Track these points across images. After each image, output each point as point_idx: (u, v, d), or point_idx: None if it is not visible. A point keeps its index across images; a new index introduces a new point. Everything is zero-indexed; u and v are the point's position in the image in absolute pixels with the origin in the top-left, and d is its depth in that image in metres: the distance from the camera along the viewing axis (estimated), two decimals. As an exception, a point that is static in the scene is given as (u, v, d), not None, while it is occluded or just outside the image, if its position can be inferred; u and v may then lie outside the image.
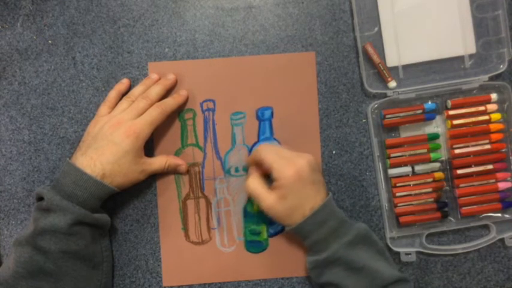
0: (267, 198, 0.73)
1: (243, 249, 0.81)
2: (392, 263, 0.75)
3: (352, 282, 0.70)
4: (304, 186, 0.71)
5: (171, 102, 0.77)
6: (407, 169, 0.80)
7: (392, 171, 0.80)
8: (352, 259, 0.70)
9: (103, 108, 0.77)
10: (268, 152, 0.74)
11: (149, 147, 0.79)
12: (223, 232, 0.81)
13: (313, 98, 0.81)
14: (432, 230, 0.80)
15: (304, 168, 0.71)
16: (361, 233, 0.72)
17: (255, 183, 0.75)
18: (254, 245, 0.81)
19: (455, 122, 0.79)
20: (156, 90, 0.77)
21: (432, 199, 0.79)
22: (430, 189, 0.79)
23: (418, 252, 0.80)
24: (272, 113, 0.81)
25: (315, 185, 0.72)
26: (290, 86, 0.81)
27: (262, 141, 0.81)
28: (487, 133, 0.79)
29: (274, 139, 0.81)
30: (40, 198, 0.71)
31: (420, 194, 0.80)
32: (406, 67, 0.80)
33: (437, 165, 0.80)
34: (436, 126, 0.80)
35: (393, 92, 0.80)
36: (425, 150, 0.80)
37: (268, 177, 0.75)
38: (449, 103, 0.80)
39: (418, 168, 0.80)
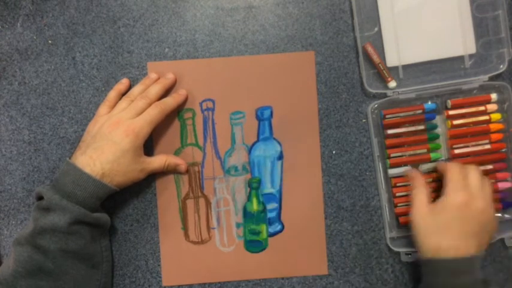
0: (421, 207, 0.73)
1: (242, 248, 0.81)
2: None
3: None
4: (462, 220, 0.70)
5: (171, 101, 0.77)
6: (407, 169, 0.80)
7: (392, 171, 0.80)
8: None
9: (103, 108, 0.77)
10: (456, 170, 0.73)
11: (149, 146, 0.79)
12: (222, 232, 0.81)
13: (312, 98, 0.81)
14: (432, 230, 0.80)
15: (475, 206, 0.70)
16: None
17: (421, 191, 0.75)
18: (254, 245, 0.81)
19: (455, 122, 0.79)
20: (155, 90, 0.77)
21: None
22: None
23: (418, 252, 0.80)
24: (271, 113, 0.81)
25: (470, 231, 0.70)
26: (289, 86, 0.81)
27: (261, 141, 0.81)
28: (487, 133, 0.79)
29: (274, 139, 0.81)
30: (40, 198, 0.71)
31: (420, 194, 0.80)
32: (406, 67, 0.80)
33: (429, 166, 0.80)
34: (436, 126, 0.80)
35: (393, 92, 0.80)
36: (425, 150, 0.80)
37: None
38: (449, 103, 0.80)
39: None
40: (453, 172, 0.73)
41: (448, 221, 0.71)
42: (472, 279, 0.68)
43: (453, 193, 0.71)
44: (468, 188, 0.72)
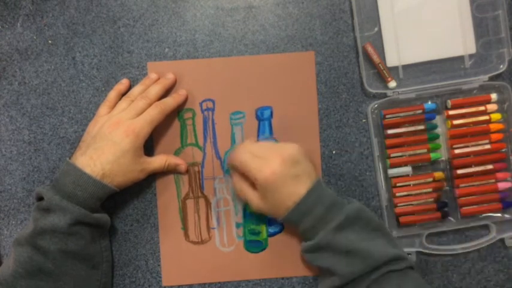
0: (252, 199, 0.74)
1: (242, 249, 0.81)
2: (389, 238, 0.73)
3: (343, 265, 0.69)
4: (283, 185, 0.70)
5: (171, 101, 0.77)
6: (407, 169, 0.80)
7: (392, 171, 0.80)
8: (340, 243, 0.69)
9: (103, 108, 0.77)
10: (241, 156, 0.73)
11: (149, 146, 0.79)
12: (222, 232, 0.81)
13: (312, 98, 0.81)
14: (432, 230, 0.80)
15: (279, 167, 0.70)
16: (350, 215, 0.70)
17: (239, 185, 0.75)
18: (254, 245, 0.81)
19: (455, 122, 0.79)
20: (156, 90, 0.77)
21: (432, 199, 0.79)
22: (430, 189, 0.79)
23: (418, 252, 0.80)
24: (271, 113, 0.81)
25: (296, 179, 0.71)
26: (289, 86, 0.81)
27: (261, 141, 0.81)
28: (487, 133, 0.79)
29: (274, 139, 0.81)
30: (40, 198, 0.71)
31: (420, 194, 0.80)
32: (406, 67, 0.80)
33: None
34: (436, 126, 0.80)
35: (393, 92, 0.80)
36: (425, 150, 0.80)
37: None
38: (449, 103, 0.80)
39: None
40: (238, 158, 0.73)
41: (276, 194, 0.71)
42: (325, 206, 0.70)
43: (257, 176, 0.71)
44: (258, 159, 0.72)
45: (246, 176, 0.74)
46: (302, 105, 0.81)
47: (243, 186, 0.75)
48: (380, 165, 0.80)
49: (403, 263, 0.69)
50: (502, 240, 0.80)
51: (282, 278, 0.81)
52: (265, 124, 0.80)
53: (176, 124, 0.81)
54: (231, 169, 0.78)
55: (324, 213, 0.70)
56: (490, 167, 0.80)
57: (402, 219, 0.80)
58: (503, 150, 0.80)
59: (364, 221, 0.71)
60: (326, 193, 0.72)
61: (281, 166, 0.70)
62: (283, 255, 0.81)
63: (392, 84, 0.80)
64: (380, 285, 0.68)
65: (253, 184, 0.73)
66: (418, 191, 0.80)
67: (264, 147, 0.74)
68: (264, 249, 0.81)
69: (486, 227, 0.81)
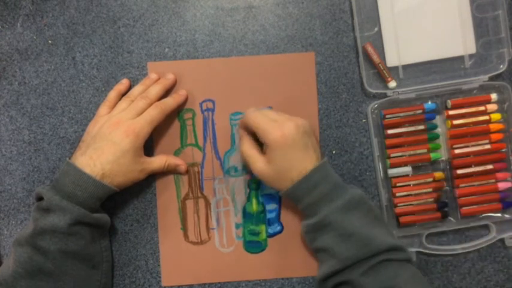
0: (257, 161, 0.73)
1: (242, 249, 0.81)
2: (389, 229, 0.73)
3: (343, 249, 0.69)
4: (292, 150, 0.71)
5: (171, 101, 0.77)
6: (407, 169, 0.80)
7: (392, 171, 0.80)
8: (343, 225, 0.69)
9: (103, 108, 0.77)
10: (257, 115, 0.73)
11: (149, 147, 0.79)
12: (222, 232, 0.81)
13: (312, 98, 0.81)
14: (432, 230, 0.80)
15: (292, 132, 0.71)
16: (355, 198, 0.71)
17: (246, 146, 0.75)
18: (253, 246, 0.81)
19: (455, 122, 0.79)
20: (156, 90, 0.77)
21: (432, 199, 0.79)
22: (430, 189, 0.79)
23: (418, 252, 0.80)
24: (272, 114, 0.81)
25: (305, 149, 0.72)
26: (289, 86, 0.81)
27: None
28: (487, 133, 0.79)
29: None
30: (40, 198, 0.71)
31: (420, 194, 0.80)
32: (406, 67, 0.80)
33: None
34: (436, 126, 0.80)
35: (393, 92, 0.80)
36: (425, 150, 0.80)
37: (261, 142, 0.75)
38: (449, 103, 0.80)
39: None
40: (253, 117, 0.73)
41: (284, 158, 0.71)
42: (331, 185, 0.71)
43: (268, 135, 0.71)
44: (272, 121, 0.72)
45: (255, 140, 0.75)
46: (302, 106, 0.81)
47: (251, 149, 0.75)
48: (380, 165, 0.80)
49: (401, 254, 0.70)
50: (502, 240, 0.80)
51: (282, 279, 0.81)
52: (265, 125, 0.80)
53: (176, 124, 0.81)
54: (241, 131, 0.78)
55: (328, 191, 0.71)
56: (490, 167, 0.80)
57: (402, 219, 0.80)
58: (503, 150, 0.80)
59: (366, 207, 0.72)
60: (332, 173, 0.73)
61: (294, 131, 0.71)
62: (283, 256, 0.81)
63: (392, 84, 0.80)
64: (377, 272, 0.68)
65: (261, 149, 0.74)
66: (418, 191, 0.80)
67: (279, 114, 0.74)
68: (264, 249, 0.81)
69: (486, 227, 0.81)
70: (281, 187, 0.73)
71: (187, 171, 0.80)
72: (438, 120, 0.80)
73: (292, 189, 0.71)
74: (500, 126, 0.79)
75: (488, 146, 0.79)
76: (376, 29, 0.80)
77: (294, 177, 0.71)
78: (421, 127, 0.80)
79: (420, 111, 0.80)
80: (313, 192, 0.71)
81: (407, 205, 0.80)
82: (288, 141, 0.70)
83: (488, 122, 0.79)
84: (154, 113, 0.74)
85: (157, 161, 0.77)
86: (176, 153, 0.81)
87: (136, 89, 0.78)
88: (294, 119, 0.73)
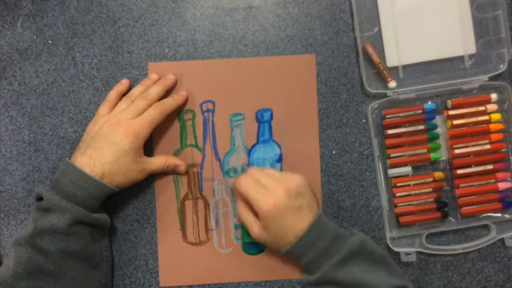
0: (253, 227, 0.74)
1: (240, 250, 0.81)
2: (393, 269, 0.73)
3: None
4: (285, 216, 0.71)
5: (171, 102, 0.77)
6: (407, 169, 0.80)
7: (392, 171, 0.80)
8: (343, 278, 0.69)
9: (103, 108, 0.77)
10: (248, 183, 0.73)
11: (148, 147, 0.79)
12: (221, 233, 0.81)
13: (312, 101, 0.81)
14: (432, 230, 0.80)
15: (283, 199, 0.70)
16: (353, 248, 0.70)
17: (241, 211, 0.76)
18: (252, 247, 0.81)
19: (455, 122, 0.79)
20: (156, 90, 0.77)
21: (432, 199, 0.79)
22: (430, 189, 0.79)
23: (418, 252, 0.80)
24: (271, 115, 0.81)
25: (299, 211, 0.71)
26: (290, 88, 0.81)
27: (261, 143, 0.81)
28: (487, 133, 0.79)
29: (274, 141, 0.81)
30: (39, 198, 0.71)
31: (420, 194, 0.80)
32: (406, 67, 0.80)
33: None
34: (436, 126, 0.80)
35: (393, 92, 0.79)
36: (425, 150, 0.80)
37: None
38: (449, 103, 0.80)
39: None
40: (243, 185, 0.73)
41: (278, 225, 0.71)
42: (329, 239, 0.71)
43: (260, 207, 0.71)
44: (262, 189, 0.72)
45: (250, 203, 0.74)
46: (302, 108, 0.81)
47: (247, 214, 0.75)
48: (380, 165, 0.80)
49: None
50: (502, 240, 0.80)
51: (280, 280, 0.81)
52: (265, 126, 0.80)
53: (176, 125, 0.81)
54: (236, 194, 0.78)
55: (327, 247, 0.71)
56: (490, 167, 0.80)
57: (402, 219, 0.80)
58: (503, 150, 0.80)
59: (367, 253, 0.71)
60: (329, 226, 0.72)
61: (285, 198, 0.71)
62: (282, 258, 0.80)
63: (392, 84, 0.80)
64: None
65: (256, 212, 0.73)
66: (418, 191, 0.80)
67: (269, 177, 0.74)
68: (262, 251, 0.81)
69: (486, 227, 0.81)
70: (280, 248, 0.73)
71: (186, 172, 0.80)
72: (438, 120, 0.80)
73: (290, 250, 0.72)
74: (500, 126, 0.79)
75: (488, 146, 0.79)
76: (376, 29, 0.80)
77: (291, 239, 0.71)
78: (421, 127, 0.80)
79: (420, 111, 0.80)
80: (312, 249, 0.71)
81: (407, 205, 0.80)
82: (281, 210, 0.70)
83: (488, 122, 0.79)
84: (154, 113, 0.74)
85: (157, 161, 0.77)
86: (176, 154, 0.81)
87: (137, 90, 0.78)
88: (285, 182, 0.72)
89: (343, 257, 0.70)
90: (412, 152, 0.80)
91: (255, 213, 0.74)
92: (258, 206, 0.71)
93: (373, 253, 0.72)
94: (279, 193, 0.71)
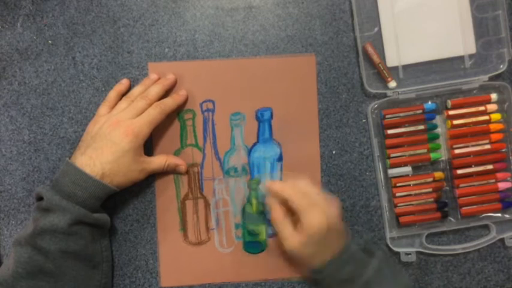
0: (291, 238, 0.71)
1: (241, 250, 0.81)
2: (406, 283, 0.74)
3: None
4: (330, 236, 0.69)
5: (171, 102, 0.77)
6: (407, 169, 0.80)
7: (392, 171, 0.80)
8: None
9: (103, 108, 0.77)
10: (296, 194, 0.71)
11: (148, 147, 0.79)
12: (221, 233, 0.81)
13: (312, 100, 0.81)
14: (432, 230, 0.80)
15: (335, 219, 0.70)
16: (373, 273, 0.69)
17: (278, 220, 0.72)
18: (253, 246, 0.81)
19: (455, 122, 0.79)
20: (156, 90, 0.77)
21: (432, 199, 0.80)
22: (430, 189, 0.80)
23: (418, 252, 0.80)
24: (272, 114, 0.81)
25: (338, 232, 0.71)
26: (290, 88, 0.81)
27: (261, 143, 0.81)
28: (487, 133, 0.80)
29: (274, 140, 0.81)
30: (40, 198, 0.71)
31: (420, 194, 0.80)
32: (406, 67, 0.80)
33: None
34: (436, 126, 0.80)
35: (393, 92, 0.80)
36: (425, 150, 0.80)
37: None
38: (449, 103, 0.80)
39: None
40: (295, 195, 0.71)
41: (322, 244, 0.70)
42: (355, 264, 0.70)
43: (312, 220, 0.69)
44: (314, 205, 0.70)
45: (287, 210, 0.72)
46: (302, 107, 0.81)
47: (283, 223, 0.72)
48: (380, 165, 0.80)
49: None
50: (502, 240, 0.80)
51: (282, 279, 0.81)
52: (265, 125, 0.80)
53: (176, 125, 0.81)
54: (271, 200, 0.74)
55: (353, 270, 0.69)
56: (490, 167, 0.80)
57: (402, 219, 0.80)
58: (503, 150, 0.80)
59: (383, 274, 0.71)
60: (355, 249, 0.72)
61: (335, 218, 0.70)
62: (282, 257, 0.80)
63: (392, 84, 0.80)
64: None
65: (292, 220, 0.72)
66: (418, 191, 0.80)
67: (315, 192, 0.72)
68: (263, 250, 0.81)
69: (486, 227, 0.81)
70: (311, 265, 0.71)
71: (187, 172, 0.80)
72: (438, 120, 0.80)
73: (320, 271, 0.70)
74: (500, 126, 0.79)
75: (488, 146, 0.79)
76: (376, 29, 0.80)
77: (326, 258, 0.70)
78: (421, 127, 0.80)
79: (420, 111, 0.80)
80: (340, 272, 0.69)
81: (407, 205, 0.80)
82: (330, 230, 0.69)
83: (488, 122, 0.79)
84: (154, 113, 0.74)
85: (157, 161, 0.77)
86: (176, 154, 0.81)
87: (137, 89, 0.78)
88: (333, 203, 0.72)
89: (368, 278, 0.69)
90: (412, 152, 0.80)
91: (294, 224, 0.71)
92: (310, 221, 0.68)
93: (388, 274, 0.71)
94: (331, 213, 0.70)
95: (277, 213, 0.73)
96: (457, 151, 0.79)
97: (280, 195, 0.72)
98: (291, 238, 0.70)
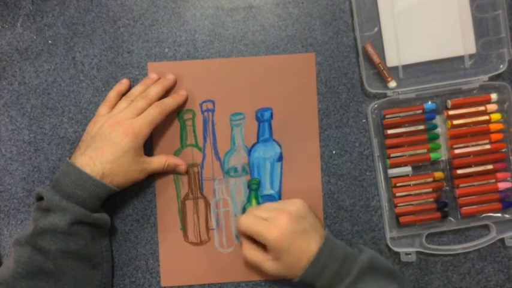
0: (264, 262, 0.73)
1: (241, 250, 0.81)
2: (403, 281, 0.73)
3: None
4: (293, 242, 0.70)
5: (171, 101, 0.77)
6: (407, 169, 0.80)
7: (392, 171, 0.80)
8: None
9: (102, 108, 0.77)
10: (248, 221, 0.74)
11: (148, 147, 0.79)
12: (222, 233, 0.81)
13: (312, 99, 0.81)
14: (432, 230, 0.80)
15: (287, 225, 0.71)
16: (364, 266, 0.70)
17: (250, 252, 0.75)
18: (253, 246, 0.81)
19: (455, 122, 0.79)
20: (156, 90, 0.77)
21: (432, 199, 0.79)
22: (430, 189, 0.79)
23: (418, 252, 0.80)
24: (272, 114, 0.81)
25: (305, 234, 0.71)
26: (290, 87, 0.81)
27: (261, 143, 0.81)
28: (487, 133, 0.79)
29: (274, 140, 0.81)
30: (40, 198, 0.71)
31: (420, 194, 0.80)
32: (406, 67, 0.80)
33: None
34: (436, 126, 0.80)
35: (393, 92, 0.79)
36: (425, 150, 0.80)
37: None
38: (449, 103, 0.80)
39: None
40: (244, 223, 0.74)
41: (288, 253, 0.71)
42: (339, 261, 0.70)
43: (266, 238, 0.71)
44: (264, 221, 0.72)
45: (256, 242, 0.74)
46: (302, 107, 0.81)
47: (255, 252, 0.75)
48: (380, 165, 0.80)
49: None
50: (502, 240, 0.80)
51: (282, 279, 0.81)
52: (265, 125, 0.80)
53: (176, 125, 0.81)
54: (240, 237, 0.78)
55: (338, 269, 0.70)
56: (490, 167, 0.80)
57: (402, 219, 0.80)
58: (503, 150, 0.80)
59: (376, 269, 0.72)
60: (337, 246, 0.72)
61: (288, 223, 0.71)
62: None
63: (392, 84, 0.80)
64: None
65: (264, 248, 0.73)
66: (418, 191, 0.80)
67: (268, 209, 0.74)
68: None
69: (486, 227, 0.81)
70: (293, 276, 0.72)
71: (187, 172, 0.80)
72: (438, 120, 0.80)
73: (304, 276, 0.71)
74: (500, 126, 0.79)
75: (488, 146, 0.79)
76: (376, 29, 0.80)
77: (304, 264, 0.70)
78: (421, 127, 0.80)
79: (420, 111, 0.80)
80: (324, 273, 0.70)
81: (407, 205, 0.80)
82: (287, 237, 0.70)
83: (488, 122, 0.79)
84: (154, 113, 0.74)
85: (157, 161, 0.77)
86: (176, 154, 0.81)
87: (136, 89, 0.78)
88: (285, 208, 0.73)
89: (355, 277, 0.69)
90: (412, 152, 0.80)
91: (263, 249, 0.74)
92: (264, 237, 0.71)
93: (382, 268, 0.72)
94: (281, 220, 0.71)
95: (245, 249, 0.76)
96: (457, 151, 0.79)
97: (241, 231, 0.75)
98: (264, 262, 0.73)
